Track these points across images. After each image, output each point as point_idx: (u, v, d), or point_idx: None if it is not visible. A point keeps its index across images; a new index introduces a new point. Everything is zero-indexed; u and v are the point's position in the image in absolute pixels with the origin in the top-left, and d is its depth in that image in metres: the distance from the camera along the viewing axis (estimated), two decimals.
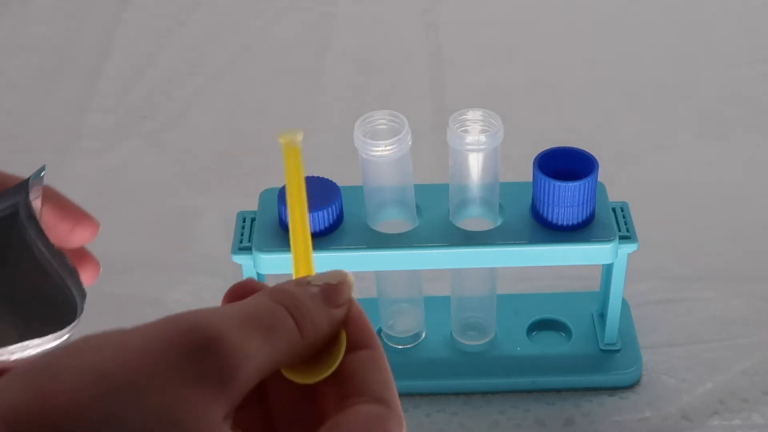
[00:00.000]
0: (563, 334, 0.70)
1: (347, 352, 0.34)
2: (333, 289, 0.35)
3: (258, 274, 0.62)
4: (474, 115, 0.59)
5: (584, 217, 0.61)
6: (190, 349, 0.29)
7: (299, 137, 0.37)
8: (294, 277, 0.36)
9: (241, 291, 0.35)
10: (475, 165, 0.60)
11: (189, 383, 0.28)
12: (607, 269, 0.66)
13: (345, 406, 0.33)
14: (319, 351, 0.34)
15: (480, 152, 0.59)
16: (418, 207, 0.63)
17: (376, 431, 0.32)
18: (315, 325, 0.34)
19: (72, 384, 0.27)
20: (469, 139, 0.59)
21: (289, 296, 0.34)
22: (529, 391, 0.68)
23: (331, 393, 0.34)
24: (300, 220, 0.37)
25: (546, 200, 0.60)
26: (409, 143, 0.59)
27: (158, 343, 0.29)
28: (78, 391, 0.27)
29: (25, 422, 0.26)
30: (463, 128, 0.59)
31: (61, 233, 0.40)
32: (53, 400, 0.27)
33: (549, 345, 0.70)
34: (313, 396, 0.35)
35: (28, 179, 0.37)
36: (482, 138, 0.58)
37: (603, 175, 0.62)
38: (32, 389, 0.27)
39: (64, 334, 0.36)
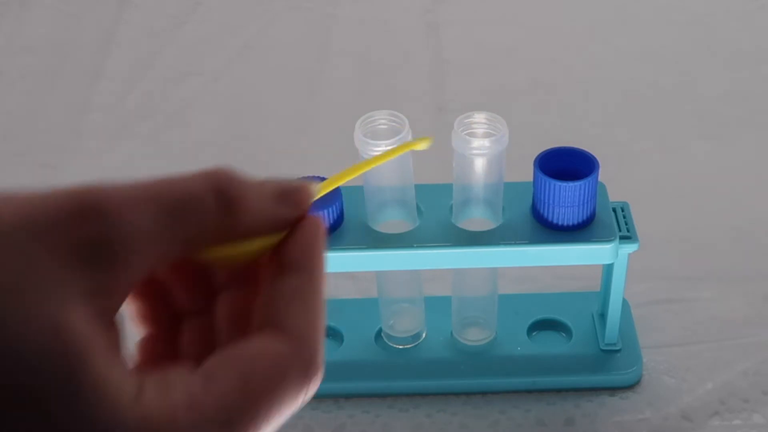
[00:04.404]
0: (563, 334, 0.70)
1: (278, 276, 0.32)
2: (288, 187, 0.33)
3: None
4: (479, 118, 0.58)
5: (585, 217, 0.61)
6: (71, 212, 0.27)
7: (421, 145, 0.43)
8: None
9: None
10: (480, 169, 0.59)
11: (52, 245, 0.27)
12: (608, 269, 0.66)
13: (250, 334, 0.31)
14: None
15: (485, 156, 0.59)
16: (418, 207, 0.63)
17: (265, 369, 0.30)
18: (250, 208, 0.31)
19: None
20: (475, 143, 0.58)
21: (223, 177, 0.31)
22: (529, 391, 0.68)
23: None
24: (360, 167, 0.42)
25: (546, 200, 0.60)
26: None
27: (49, 202, 0.27)
28: None
29: None
30: (468, 132, 0.59)
31: None
32: None
33: (549, 345, 0.70)
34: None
35: None
36: (487, 143, 0.58)
37: (603, 175, 0.62)
38: None
39: None
